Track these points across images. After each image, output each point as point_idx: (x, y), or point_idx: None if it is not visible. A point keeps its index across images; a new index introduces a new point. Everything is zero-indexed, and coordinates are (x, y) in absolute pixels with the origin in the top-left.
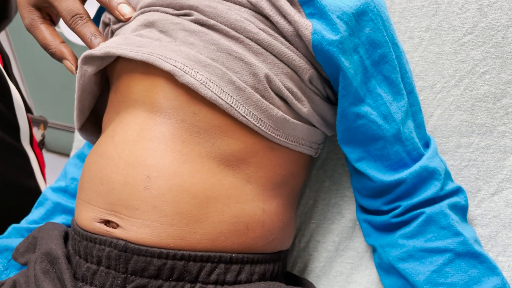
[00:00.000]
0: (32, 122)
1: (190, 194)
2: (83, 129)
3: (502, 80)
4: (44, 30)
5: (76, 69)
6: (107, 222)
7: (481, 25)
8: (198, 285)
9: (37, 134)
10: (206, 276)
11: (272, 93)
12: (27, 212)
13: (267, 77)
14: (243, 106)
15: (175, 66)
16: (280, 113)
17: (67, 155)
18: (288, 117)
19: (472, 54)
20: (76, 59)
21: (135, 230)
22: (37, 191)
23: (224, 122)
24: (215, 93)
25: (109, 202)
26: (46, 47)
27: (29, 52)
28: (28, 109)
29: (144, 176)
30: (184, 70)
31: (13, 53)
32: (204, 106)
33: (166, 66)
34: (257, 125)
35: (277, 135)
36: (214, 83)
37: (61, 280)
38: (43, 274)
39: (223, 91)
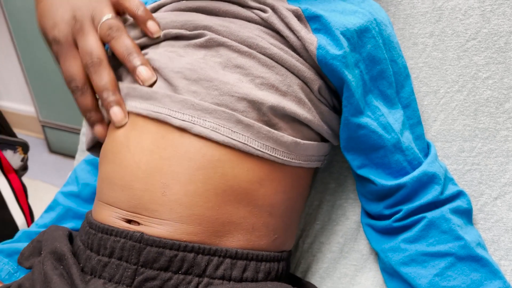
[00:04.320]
0: (7, 145)
1: (203, 199)
2: (92, 150)
3: (504, 85)
4: (72, 66)
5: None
6: (128, 221)
7: (484, 30)
8: (206, 279)
9: (14, 158)
10: (213, 270)
11: (276, 119)
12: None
13: (272, 109)
14: (255, 141)
15: (184, 120)
16: (291, 138)
17: (72, 156)
18: (299, 140)
19: (475, 59)
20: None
21: (153, 226)
22: (9, 222)
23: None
24: (227, 136)
25: (130, 205)
26: (71, 84)
27: (33, 54)
28: (9, 133)
29: (162, 183)
30: (192, 121)
31: (17, 55)
32: None
33: (176, 122)
34: (273, 154)
35: (292, 159)
36: (223, 127)
37: (69, 275)
38: (52, 270)
39: (234, 131)
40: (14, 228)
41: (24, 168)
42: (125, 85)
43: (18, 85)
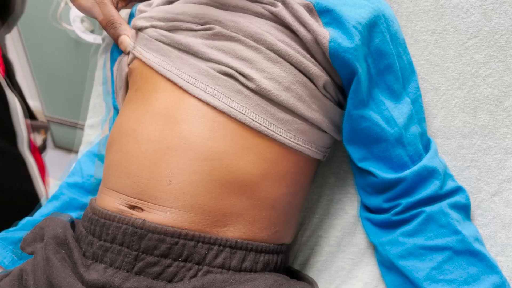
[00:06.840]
0: (33, 128)
1: (207, 189)
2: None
3: (505, 83)
4: (112, 8)
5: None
6: (132, 207)
7: (486, 29)
8: (205, 267)
9: (38, 139)
10: (212, 259)
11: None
12: (22, 216)
13: (271, 97)
14: (253, 112)
15: (188, 82)
16: (288, 116)
17: (75, 151)
18: (296, 119)
19: (476, 57)
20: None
21: (156, 213)
22: (34, 196)
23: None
24: (225, 103)
25: (135, 192)
26: (111, 21)
27: (39, 50)
28: (31, 116)
29: (167, 172)
30: (195, 84)
31: (24, 51)
32: None
33: (180, 82)
34: (270, 128)
35: (290, 138)
36: (223, 94)
37: (70, 259)
38: (53, 255)
39: (233, 100)
40: (35, 201)
41: (43, 147)
42: (146, 36)
43: (24, 80)
